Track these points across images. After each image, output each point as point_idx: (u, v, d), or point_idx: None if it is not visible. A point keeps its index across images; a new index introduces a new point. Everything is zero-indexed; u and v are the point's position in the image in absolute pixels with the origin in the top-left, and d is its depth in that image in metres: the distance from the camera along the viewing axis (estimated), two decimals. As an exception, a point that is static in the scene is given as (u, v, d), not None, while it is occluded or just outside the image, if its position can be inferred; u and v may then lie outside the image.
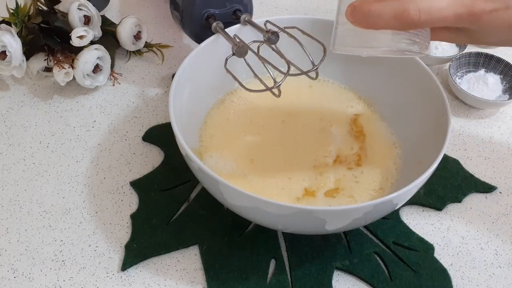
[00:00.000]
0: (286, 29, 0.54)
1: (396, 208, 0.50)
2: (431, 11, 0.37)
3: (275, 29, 0.55)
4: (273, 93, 0.50)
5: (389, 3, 0.38)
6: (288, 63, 0.51)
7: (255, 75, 0.52)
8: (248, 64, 0.55)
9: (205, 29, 0.59)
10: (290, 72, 0.51)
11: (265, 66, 0.51)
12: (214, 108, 0.59)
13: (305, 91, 0.61)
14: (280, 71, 0.52)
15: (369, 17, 0.38)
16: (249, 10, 0.61)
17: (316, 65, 0.50)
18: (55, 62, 0.62)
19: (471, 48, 0.72)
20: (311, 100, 0.61)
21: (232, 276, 0.49)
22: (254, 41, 0.56)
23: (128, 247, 0.50)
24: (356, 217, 0.44)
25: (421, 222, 0.54)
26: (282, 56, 0.52)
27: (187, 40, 0.74)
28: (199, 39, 0.60)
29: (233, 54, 0.53)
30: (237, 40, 0.55)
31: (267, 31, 0.54)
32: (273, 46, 0.55)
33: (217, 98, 0.60)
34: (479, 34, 0.41)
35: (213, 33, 0.57)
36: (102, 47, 0.64)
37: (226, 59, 0.53)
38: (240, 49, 0.53)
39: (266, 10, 0.81)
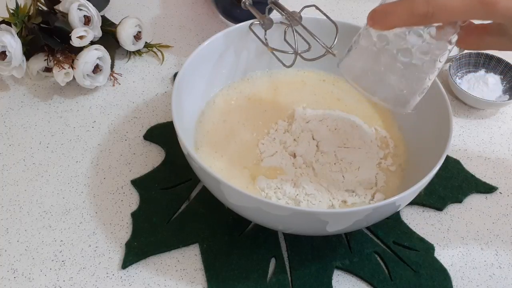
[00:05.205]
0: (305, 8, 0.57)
1: (398, 210, 0.50)
2: (438, 1, 0.37)
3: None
4: (301, 57, 0.53)
5: (402, 1, 0.39)
6: (309, 43, 0.54)
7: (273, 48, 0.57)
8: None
9: (235, 6, 0.66)
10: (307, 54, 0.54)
11: (288, 43, 0.56)
12: (214, 107, 0.59)
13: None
14: (283, 64, 0.57)
15: (386, 16, 0.39)
16: None
17: (330, 46, 0.52)
18: (55, 62, 0.62)
19: (471, 49, 0.72)
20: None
21: (232, 275, 0.49)
22: (281, 22, 0.59)
23: (128, 245, 0.50)
24: (358, 219, 0.44)
25: (421, 222, 0.54)
26: (303, 38, 0.55)
27: (187, 40, 0.74)
28: (229, 16, 0.70)
29: (262, 26, 0.58)
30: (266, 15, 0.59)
31: (292, 13, 0.57)
32: (295, 28, 0.55)
33: (217, 97, 0.60)
34: None
35: (242, 10, 0.62)
36: (102, 47, 0.64)
37: (251, 24, 0.58)
38: (267, 21, 0.58)
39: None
